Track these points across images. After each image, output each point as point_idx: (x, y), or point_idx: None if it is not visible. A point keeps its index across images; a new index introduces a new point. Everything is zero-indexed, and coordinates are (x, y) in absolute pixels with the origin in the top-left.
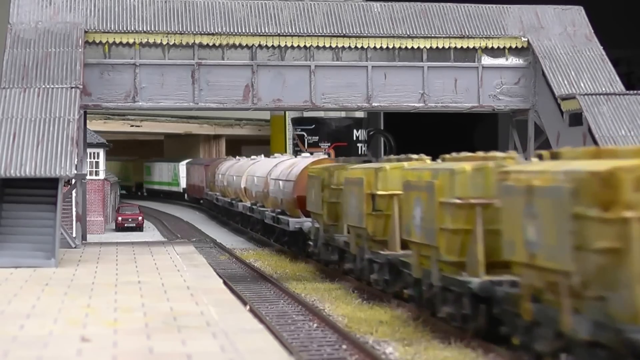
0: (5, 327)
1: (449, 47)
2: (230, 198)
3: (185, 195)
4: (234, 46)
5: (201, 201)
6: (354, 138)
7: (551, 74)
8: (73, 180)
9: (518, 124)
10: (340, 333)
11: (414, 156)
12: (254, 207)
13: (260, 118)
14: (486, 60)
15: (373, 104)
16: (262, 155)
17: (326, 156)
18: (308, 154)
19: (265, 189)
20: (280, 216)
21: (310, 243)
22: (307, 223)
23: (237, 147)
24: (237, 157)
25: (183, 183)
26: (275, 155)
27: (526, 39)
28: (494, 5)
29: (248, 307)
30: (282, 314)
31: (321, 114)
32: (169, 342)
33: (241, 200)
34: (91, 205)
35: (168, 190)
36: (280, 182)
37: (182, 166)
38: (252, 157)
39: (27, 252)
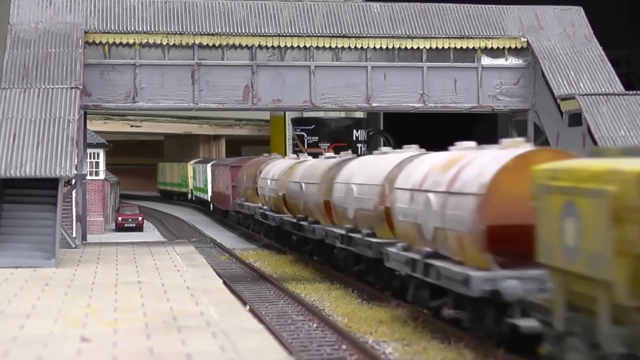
0: (5, 327)
1: (449, 48)
2: (295, 217)
3: (211, 205)
4: (233, 46)
5: (234, 214)
6: (354, 138)
7: (550, 74)
8: (73, 181)
9: (517, 124)
10: (340, 333)
11: None
12: (351, 235)
13: (260, 118)
14: (486, 61)
15: (373, 105)
16: (350, 151)
17: (530, 145)
18: (493, 146)
19: (382, 206)
20: (433, 262)
21: (531, 326)
22: (511, 282)
23: (236, 147)
24: (295, 154)
25: (210, 190)
26: (384, 149)
27: (526, 40)
28: (493, 6)
29: (248, 307)
30: (282, 314)
31: (321, 114)
32: (169, 342)
33: (318, 222)
34: (91, 206)
35: (201, 198)
36: (432, 197)
37: (209, 168)
38: (327, 153)
39: (27, 252)
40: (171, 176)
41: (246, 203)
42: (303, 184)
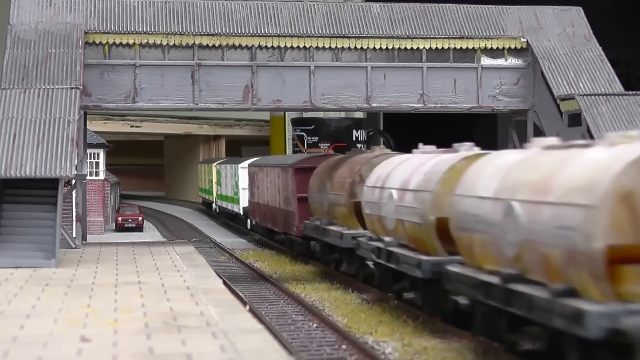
0: (6, 327)
1: (448, 48)
2: (485, 270)
3: (248, 221)
4: (233, 47)
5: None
6: (354, 138)
7: (550, 74)
8: (73, 181)
9: (517, 125)
10: (340, 333)
11: None
12: None
13: (260, 118)
14: (485, 61)
15: (372, 105)
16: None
17: None
18: None
19: None
20: None
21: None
22: None
23: (236, 147)
24: (431, 147)
25: (243, 199)
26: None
27: (525, 40)
28: (493, 6)
29: (248, 307)
30: (281, 314)
31: (321, 114)
32: (169, 342)
33: (575, 292)
34: (91, 206)
35: (230, 211)
36: None
37: (243, 170)
38: (548, 139)
39: (27, 252)
40: (204, 181)
41: (333, 227)
42: (516, 205)
